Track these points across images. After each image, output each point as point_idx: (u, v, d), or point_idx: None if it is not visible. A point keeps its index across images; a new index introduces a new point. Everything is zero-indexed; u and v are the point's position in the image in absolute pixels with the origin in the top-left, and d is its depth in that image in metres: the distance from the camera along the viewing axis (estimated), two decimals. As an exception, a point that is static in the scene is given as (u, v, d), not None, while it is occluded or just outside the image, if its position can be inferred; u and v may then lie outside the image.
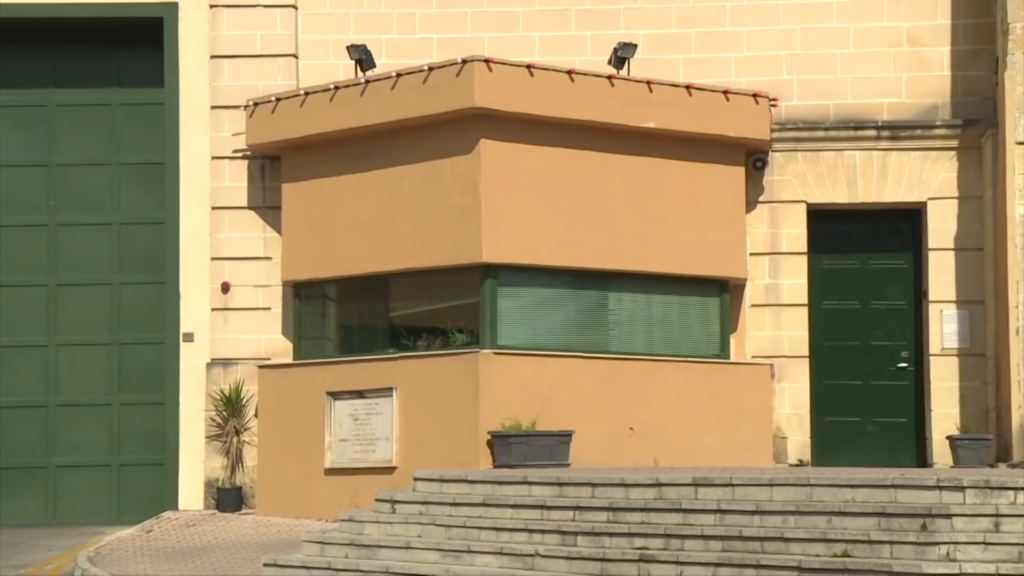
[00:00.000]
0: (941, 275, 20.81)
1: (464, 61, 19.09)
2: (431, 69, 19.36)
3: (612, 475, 14.83)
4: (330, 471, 19.89)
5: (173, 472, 21.25)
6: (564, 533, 14.01)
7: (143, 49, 21.95)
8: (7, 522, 21.55)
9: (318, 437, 20.01)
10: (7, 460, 21.87)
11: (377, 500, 16.21)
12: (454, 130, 19.39)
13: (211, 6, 21.54)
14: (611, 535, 13.70)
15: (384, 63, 20.46)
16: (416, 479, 16.26)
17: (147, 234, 22.06)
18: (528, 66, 19.37)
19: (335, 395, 19.98)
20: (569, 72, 19.56)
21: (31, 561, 17.86)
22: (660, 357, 20.01)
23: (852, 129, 20.97)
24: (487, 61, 19.13)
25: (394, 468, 19.25)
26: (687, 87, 20.21)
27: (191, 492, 21.13)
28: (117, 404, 21.99)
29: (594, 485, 14.56)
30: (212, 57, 21.55)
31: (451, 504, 15.50)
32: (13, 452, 21.87)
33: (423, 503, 15.77)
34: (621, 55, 20.23)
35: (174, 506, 21.12)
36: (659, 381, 19.79)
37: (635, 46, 20.31)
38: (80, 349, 22.03)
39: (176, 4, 21.59)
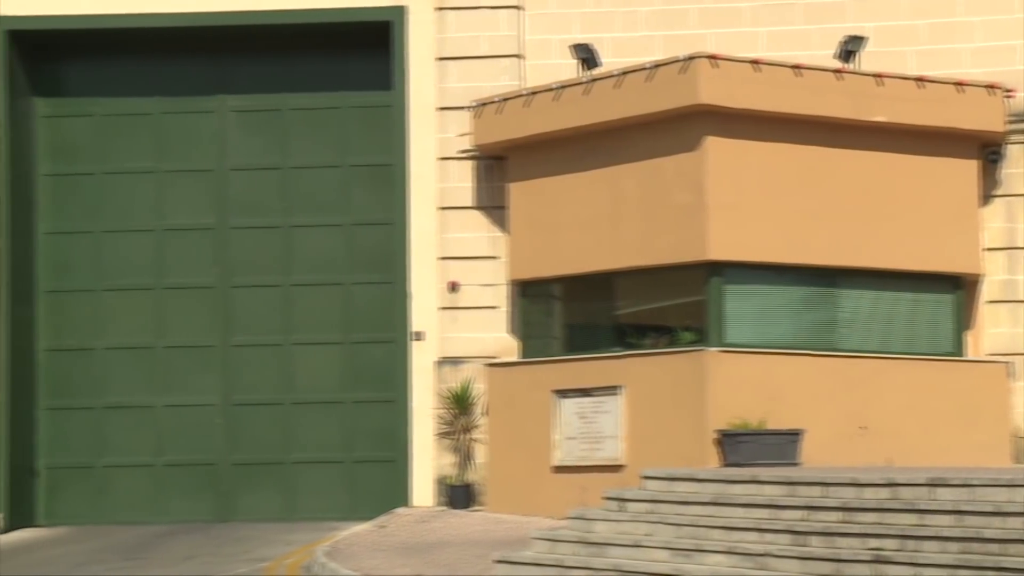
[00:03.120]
0: None
1: (689, 58, 19.02)
2: (656, 67, 19.34)
3: (844, 474, 14.59)
4: (558, 469, 20.00)
5: (404, 469, 21.61)
6: (796, 533, 13.83)
7: (371, 52, 22.36)
8: (247, 516, 22.21)
9: (545, 435, 20.14)
10: (247, 456, 22.52)
11: (605, 498, 16.23)
12: (678, 127, 19.33)
13: (437, 9, 21.83)
14: (844, 535, 13.48)
15: (608, 61, 20.50)
16: (644, 477, 16.24)
17: (376, 234, 22.48)
18: (753, 61, 19.21)
19: (562, 393, 20.09)
20: (795, 67, 19.33)
21: (271, 555, 18.35)
22: (892, 355, 19.65)
23: (1093, 119, 20.31)
24: (712, 57, 19.02)
25: (621, 466, 19.27)
26: (918, 79, 19.79)
27: (422, 488, 21.48)
28: (349, 402, 22.45)
29: (826, 484, 14.35)
30: (438, 59, 21.84)
31: (680, 503, 15.43)
32: (252, 448, 22.52)
33: (652, 501, 15.74)
34: (848, 48, 19.92)
35: (406, 502, 21.49)
36: (891, 379, 19.42)
37: (863, 39, 19.97)
38: (314, 348, 22.56)
39: (404, 8, 21.95)
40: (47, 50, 22.84)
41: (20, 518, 22.08)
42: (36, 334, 22.76)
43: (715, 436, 18.48)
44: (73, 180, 22.99)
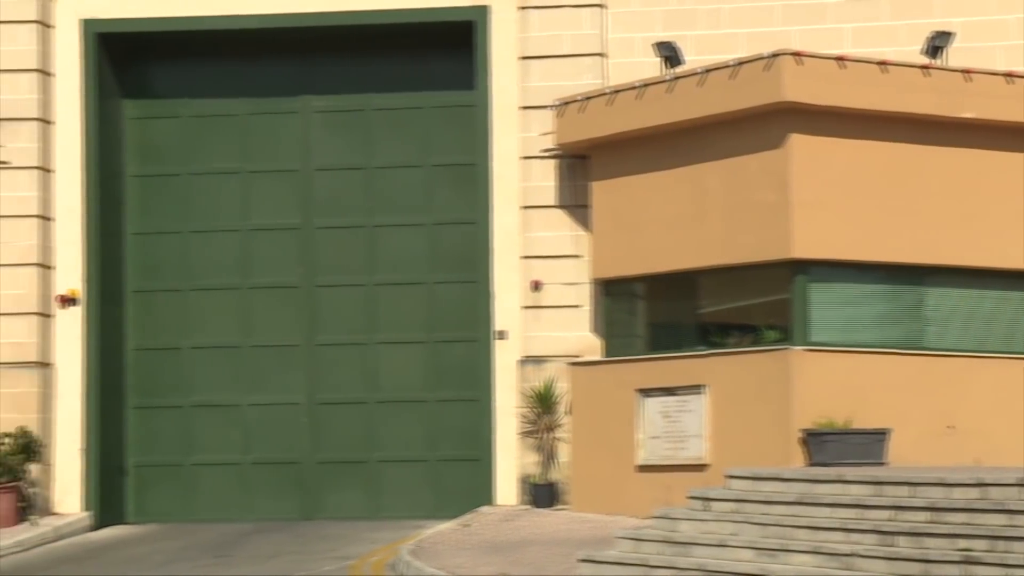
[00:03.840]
0: None
1: (773, 55, 18.90)
2: (739, 64, 19.25)
3: (932, 474, 14.46)
4: (642, 468, 19.97)
5: (488, 468, 21.66)
6: (882, 533, 13.73)
7: (454, 52, 22.43)
8: (332, 515, 22.36)
9: (629, 434, 20.11)
10: (332, 455, 22.66)
11: (690, 497, 16.20)
12: (762, 125, 19.23)
13: (520, 8, 21.84)
14: (932, 536, 13.36)
15: (691, 59, 20.41)
16: (729, 477, 16.20)
17: (460, 234, 22.55)
18: (838, 58, 19.06)
19: (645, 392, 20.05)
20: (881, 63, 19.16)
21: (356, 553, 18.47)
22: (980, 353, 19.41)
23: None
24: (796, 54, 18.89)
25: (706, 465, 19.21)
26: (1006, 75, 19.54)
27: (506, 487, 21.51)
28: (433, 401, 22.53)
29: (913, 484, 14.22)
30: (521, 58, 21.86)
31: (765, 502, 15.38)
32: (337, 447, 22.66)
33: (737, 501, 15.69)
34: (936, 44, 19.71)
35: (489, 501, 21.53)
36: (979, 378, 19.20)
37: (951, 34, 19.76)
38: (397, 347, 22.68)
39: (486, 7, 21.99)
40: (135, 52, 23.12)
41: (110, 516, 22.37)
42: (125, 333, 23.05)
43: (800, 435, 18.37)
44: (160, 181, 23.26)
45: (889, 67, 19.13)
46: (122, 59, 23.07)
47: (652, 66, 20.70)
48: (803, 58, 18.87)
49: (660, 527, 15.74)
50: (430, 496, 22.28)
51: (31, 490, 21.66)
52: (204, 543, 20.16)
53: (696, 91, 19.67)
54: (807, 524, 14.54)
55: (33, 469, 21.68)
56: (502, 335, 21.80)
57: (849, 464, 17.38)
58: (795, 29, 20.99)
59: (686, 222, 20.01)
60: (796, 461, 18.26)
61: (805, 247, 18.97)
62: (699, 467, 19.29)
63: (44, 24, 22.43)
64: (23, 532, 20.63)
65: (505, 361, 21.70)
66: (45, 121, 22.39)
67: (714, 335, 20.06)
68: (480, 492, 21.62)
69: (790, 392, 18.61)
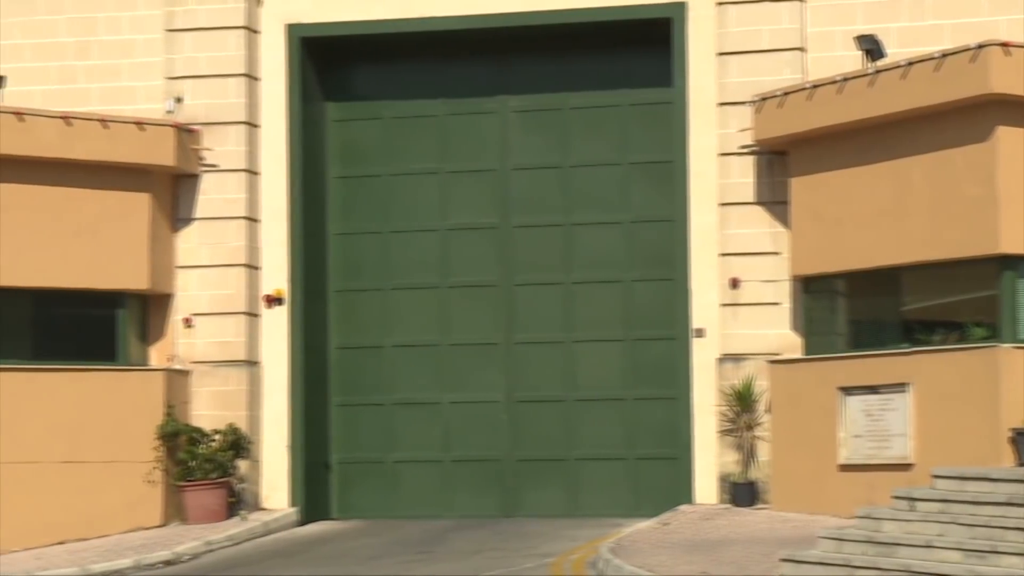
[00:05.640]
0: None
1: (979, 46, 18.49)
2: (944, 56, 18.86)
3: None
4: (844, 467, 19.70)
5: (687, 466, 21.56)
6: (1097, 536, 13.37)
7: (651, 49, 22.38)
8: (531, 512, 22.50)
9: (830, 433, 19.86)
10: (531, 452, 22.79)
11: (894, 497, 15.97)
12: (968, 118, 18.82)
13: (718, 3, 21.67)
14: None
15: (893, 52, 20.06)
16: (935, 476, 15.93)
17: (657, 232, 22.48)
18: (1049, 48, 18.59)
19: (847, 390, 19.77)
20: (1095, 52, 18.63)
21: (556, 551, 18.56)
22: None
23: None
24: (1004, 45, 18.46)
25: (910, 465, 18.87)
26: None
27: (705, 486, 21.38)
28: (631, 399, 22.51)
29: None
30: (719, 54, 21.70)
31: (973, 503, 15.09)
32: (536, 445, 22.78)
33: (943, 501, 15.42)
34: None
35: (689, 500, 21.44)
36: None
37: None
38: (595, 345, 22.70)
39: (684, 4, 21.89)
40: (337, 56, 23.55)
41: (315, 511, 22.82)
42: (328, 332, 23.48)
43: (1010, 435, 17.94)
44: (362, 182, 23.65)
45: (1103, 56, 18.59)
46: (324, 62, 23.52)
47: (853, 60, 20.41)
48: (1011, 48, 18.42)
49: (863, 527, 15.54)
50: (629, 494, 22.26)
51: (240, 486, 22.23)
52: (407, 539, 20.46)
53: (899, 84, 19.33)
54: (1017, 525, 14.22)
55: (242, 465, 22.24)
56: (700, 333, 21.69)
57: (1061, 465, 16.97)
58: (1003, 19, 20.47)
59: (889, 217, 19.67)
60: (1005, 461, 17.84)
61: (1013, 242, 18.52)
62: (903, 466, 18.96)
63: (251, 30, 22.98)
64: (233, 527, 21.18)
65: (703, 359, 21.58)
66: (251, 124, 22.94)
67: (918, 332, 19.70)
68: (679, 490, 21.53)
69: (998, 390, 18.18)
